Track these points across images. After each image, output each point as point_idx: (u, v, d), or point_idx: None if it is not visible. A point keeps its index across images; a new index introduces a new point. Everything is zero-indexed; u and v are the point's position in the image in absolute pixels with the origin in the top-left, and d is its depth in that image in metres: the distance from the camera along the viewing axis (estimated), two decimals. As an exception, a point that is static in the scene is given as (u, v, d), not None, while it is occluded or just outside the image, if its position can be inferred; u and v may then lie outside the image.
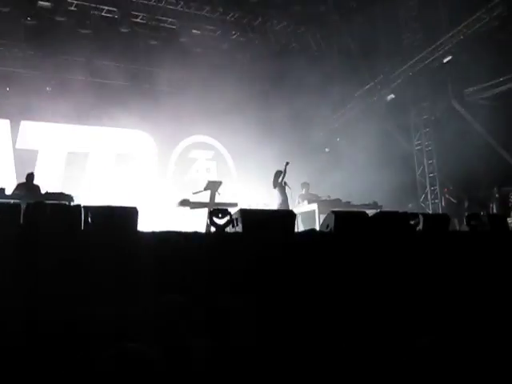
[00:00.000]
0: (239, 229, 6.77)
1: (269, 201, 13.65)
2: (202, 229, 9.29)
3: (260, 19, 16.61)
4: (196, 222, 15.07)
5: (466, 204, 14.60)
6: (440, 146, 15.97)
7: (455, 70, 14.79)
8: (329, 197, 13.19)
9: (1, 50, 14.89)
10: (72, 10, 14.66)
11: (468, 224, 8.81)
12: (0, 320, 4.31)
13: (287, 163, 13.04)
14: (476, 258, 7.10)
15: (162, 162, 17.21)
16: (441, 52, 14.78)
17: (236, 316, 4.11)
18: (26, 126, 15.68)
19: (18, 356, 4.27)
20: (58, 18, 14.54)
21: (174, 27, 15.92)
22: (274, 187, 13.15)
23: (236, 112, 15.91)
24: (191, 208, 12.89)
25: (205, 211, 12.32)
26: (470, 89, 15.29)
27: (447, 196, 15.43)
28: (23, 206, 5.82)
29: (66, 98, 14.69)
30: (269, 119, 16.31)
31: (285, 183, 13.04)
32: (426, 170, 16.68)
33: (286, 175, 13.12)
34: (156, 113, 16.03)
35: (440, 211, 15.39)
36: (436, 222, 8.45)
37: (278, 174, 13.16)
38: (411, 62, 15.60)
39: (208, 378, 3.67)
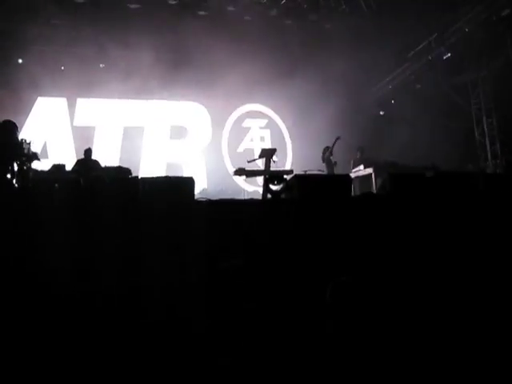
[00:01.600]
0: (295, 195, 6.77)
1: (323, 167, 13.58)
2: (259, 196, 9.30)
3: (309, -17, 16.30)
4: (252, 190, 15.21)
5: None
6: (499, 104, 15.44)
7: (514, 24, 14.17)
8: (385, 160, 13.00)
9: (54, 30, 15.13)
10: (121, -14, 14.76)
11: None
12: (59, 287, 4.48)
13: (338, 138, 13.09)
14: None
15: (217, 132, 17.27)
16: (498, 6, 14.17)
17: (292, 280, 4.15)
18: (82, 103, 16.00)
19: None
20: (108, -6, 14.67)
21: (222, -4, 15.82)
22: (323, 161, 13.34)
23: (287, 79, 15.76)
24: (247, 176, 12.97)
25: (261, 179, 12.38)
26: (530, 43, 14.66)
27: (507, 156, 14.94)
28: (82, 181, 5.98)
29: (119, 73, 14.89)
30: (321, 84, 16.09)
31: (335, 163, 13.19)
32: (486, 129, 16.18)
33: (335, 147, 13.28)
34: (208, 84, 16.06)
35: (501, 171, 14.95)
36: (497, 182, 8.24)
37: (326, 149, 13.30)
38: (467, 18, 15.04)
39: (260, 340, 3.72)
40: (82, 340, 4.37)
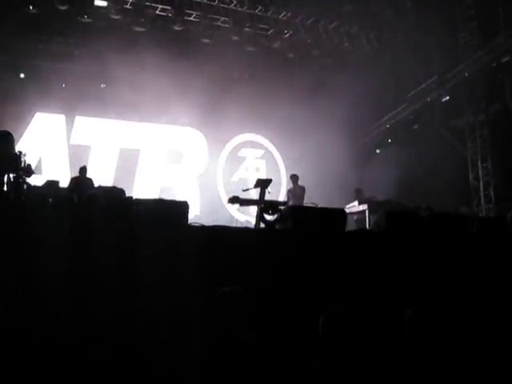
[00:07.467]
0: (289, 226, 6.73)
1: (318, 201, 13.52)
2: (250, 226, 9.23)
3: (313, 19, 16.49)
4: (244, 220, 15.15)
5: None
6: (495, 149, 15.52)
7: (512, 71, 14.33)
8: (380, 198, 12.97)
9: (57, 48, 15.24)
10: (127, 9, 14.89)
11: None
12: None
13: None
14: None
15: (212, 160, 17.28)
16: (498, 52, 14.37)
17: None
18: (80, 121, 16.01)
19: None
20: (113, 16, 14.78)
21: (226, 26, 15.97)
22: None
23: (287, 111, 15.88)
24: (241, 205, 12.89)
25: (254, 209, 12.31)
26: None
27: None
28: (77, 198, 5.92)
29: (119, 94, 14.95)
30: (320, 119, 16.17)
31: None
32: (480, 173, 16.22)
33: None
34: (207, 111, 16.13)
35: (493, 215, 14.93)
36: (491, 224, 8.24)
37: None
38: (467, 63, 15.23)
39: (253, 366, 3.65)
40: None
